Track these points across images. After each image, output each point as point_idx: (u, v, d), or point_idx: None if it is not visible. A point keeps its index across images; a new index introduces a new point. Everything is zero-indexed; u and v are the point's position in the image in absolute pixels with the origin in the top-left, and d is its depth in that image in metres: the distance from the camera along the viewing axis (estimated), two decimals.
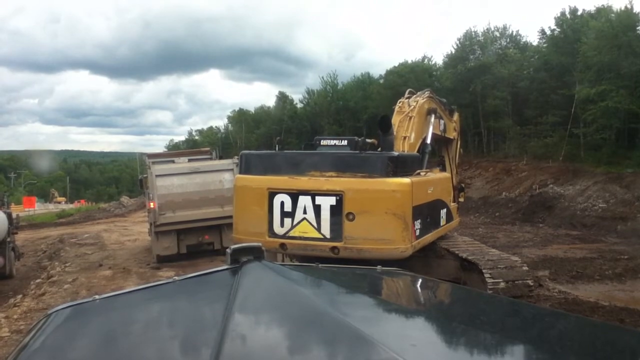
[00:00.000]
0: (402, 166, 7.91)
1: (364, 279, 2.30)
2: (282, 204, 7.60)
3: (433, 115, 10.04)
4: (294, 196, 7.54)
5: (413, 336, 1.45)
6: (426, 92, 10.32)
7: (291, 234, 7.57)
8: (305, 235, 7.50)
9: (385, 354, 1.15)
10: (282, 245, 7.61)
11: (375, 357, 1.16)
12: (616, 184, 25.40)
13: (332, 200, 7.39)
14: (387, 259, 7.33)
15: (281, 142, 10.07)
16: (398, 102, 10.09)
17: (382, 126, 8.94)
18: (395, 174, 7.59)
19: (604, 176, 26.77)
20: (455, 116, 12.27)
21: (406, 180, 7.60)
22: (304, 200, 7.47)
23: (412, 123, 9.41)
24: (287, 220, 7.58)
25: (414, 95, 10.26)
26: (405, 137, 9.33)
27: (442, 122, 10.74)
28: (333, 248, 7.38)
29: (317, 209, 7.43)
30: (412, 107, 9.62)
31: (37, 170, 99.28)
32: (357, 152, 8.18)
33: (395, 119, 9.58)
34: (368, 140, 10.27)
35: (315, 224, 7.46)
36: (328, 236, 7.42)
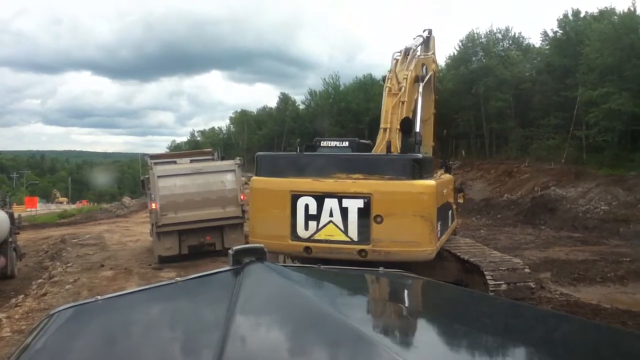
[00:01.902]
0: (423, 168, 7.91)
1: (366, 281, 2.30)
2: (307, 206, 7.45)
3: (421, 85, 9.74)
4: (320, 199, 7.41)
5: (415, 338, 1.45)
6: (415, 58, 9.94)
7: (316, 237, 7.43)
8: (332, 238, 7.37)
9: (388, 355, 1.15)
10: (307, 248, 7.45)
11: (378, 359, 1.16)
12: (618, 186, 25.37)
13: (359, 203, 7.30)
14: (414, 261, 7.35)
15: (302, 144, 9.57)
16: (387, 77, 9.58)
17: (405, 128, 8.85)
18: (421, 176, 7.58)
19: (607, 178, 26.75)
20: (432, 44, 11.82)
21: (432, 182, 7.66)
22: (330, 203, 7.36)
23: (404, 110, 9.17)
24: (312, 224, 7.44)
25: (401, 59, 9.87)
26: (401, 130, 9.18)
27: (424, 68, 10.45)
28: (360, 251, 7.29)
29: (344, 211, 7.33)
30: (403, 88, 9.28)
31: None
32: (383, 154, 8.12)
33: (388, 104, 9.27)
34: (364, 142, 10.21)
35: (342, 227, 7.35)
36: (355, 239, 7.32)
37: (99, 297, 1.78)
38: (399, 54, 10.09)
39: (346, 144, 9.91)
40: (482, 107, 41.74)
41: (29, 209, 48.99)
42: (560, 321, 1.93)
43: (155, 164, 15.86)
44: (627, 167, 27.64)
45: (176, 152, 36.93)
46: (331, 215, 7.36)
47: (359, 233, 7.32)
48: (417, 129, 9.50)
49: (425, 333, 1.60)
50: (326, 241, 7.40)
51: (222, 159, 18.13)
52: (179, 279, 1.90)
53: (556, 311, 7.94)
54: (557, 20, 38.80)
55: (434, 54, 11.67)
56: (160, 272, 13.98)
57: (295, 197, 7.51)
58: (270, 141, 75.07)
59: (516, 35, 46.17)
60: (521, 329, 1.70)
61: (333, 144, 10.09)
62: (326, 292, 1.88)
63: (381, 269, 2.27)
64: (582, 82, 32.29)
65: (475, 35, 46.23)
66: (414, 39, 11.02)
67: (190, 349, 1.39)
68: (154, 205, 15.03)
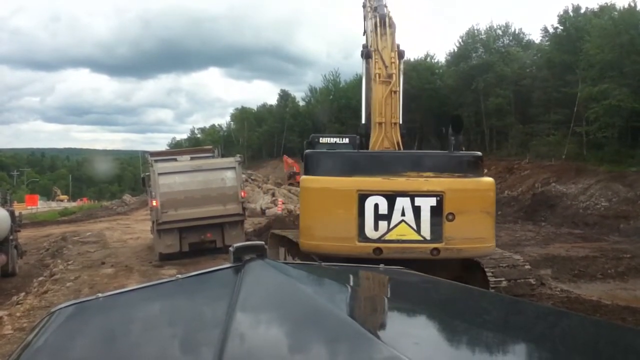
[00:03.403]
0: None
1: (367, 278, 2.31)
2: (377, 206, 7.23)
3: (402, 61, 9.47)
4: (391, 198, 7.21)
5: (416, 334, 1.45)
6: (392, 28, 9.31)
7: (387, 237, 7.24)
8: (403, 238, 7.24)
9: (388, 352, 1.15)
10: (377, 249, 7.25)
11: (378, 356, 1.17)
12: (619, 182, 25.37)
13: (432, 201, 7.22)
14: (482, 256, 7.73)
15: (360, 140, 9.11)
16: (373, 58, 9.01)
17: (455, 126, 8.80)
18: (483, 173, 7.78)
19: (607, 175, 26.74)
20: None
21: (492, 179, 7.89)
22: (402, 202, 7.19)
23: (396, 101, 8.95)
24: (383, 224, 7.23)
25: (380, 31, 9.23)
26: (395, 124, 8.98)
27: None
28: (433, 250, 7.26)
29: (416, 210, 7.20)
30: (395, 76, 8.94)
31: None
32: (450, 152, 8.06)
33: (378, 93, 8.85)
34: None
35: (414, 226, 7.23)
36: (428, 238, 7.25)
37: (100, 295, 1.79)
38: (375, 24, 9.53)
39: (346, 140, 9.86)
40: (482, 103, 41.73)
41: (29, 207, 49.07)
42: (560, 317, 1.93)
43: (156, 161, 15.87)
44: (628, 163, 27.63)
45: (176, 149, 36.97)
46: (403, 214, 7.19)
47: (432, 232, 7.24)
48: (401, 121, 9.26)
49: (425, 330, 1.60)
50: (398, 241, 7.24)
51: (223, 156, 18.15)
52: (179, 276, 1.90)
53: (556, 307, 7.95)
54: (558, 16, 38.84)
55: None
56: (161, 270, 13.99)
57: (363, 197, 7.24)
58: (270, 138, 75.06)
59: (516, 32, 46.26)
60: (521, 325, 1.70)
61: (333, 140, 10.03)
62: (327, 289, 1.89)
63: (381, 265, 2.27)
64: (582, 78, 32.28)
65: (475, 31, 46.28)
66: None
67: (191, 346, 1.40)
68: (154, 203, 15.05)
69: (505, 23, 47.07)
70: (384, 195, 7.22)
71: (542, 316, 1.84)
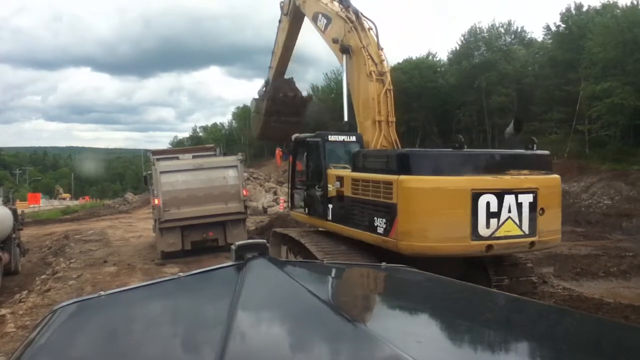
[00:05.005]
0: None
1: (368, 276, 2.31)
2: (488, 204, 7.36)
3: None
4: (500, 196, 7.41)
5: (418, 333, 1.45)
6: (369, 25, 9.43)
7: (497, 234, 7.44)
8: (509, 234, 7.50)
9: (390, 350, 1.15)
10: (488, 247, 7.38)
11: (380, 354, 1.16)
12: (621, 180, 25.31)
13: (530, 198, 7.57)
14: (555, 247, 8.58)
15: (460, 141, 8.61)
16: (364, 56, 8.93)
17: (517, 126, 9.43)
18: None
19: (609, 173, 26.67)
20: None
21: (559, 175, 8.44)
22: (509, 199, 7.45)
23: (391, 99, 8.99)
24: (493, 221, 7.40)
25: (359, 29, 9.27)
26: (392, 122, 8.97)
27: None
28: (531, 243, 7.65)
29: (519, 207, 7.50)
30: (387, 75, 8.95)
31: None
32: (534, 151, 8.33)
33: (372, 91, 8.82)
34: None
35: (517, 222, 7.52)
36: (527, 232, 7.58)
37: (102, 293, 1.79)
38: (350, 23, 9.49)
39: (354, 138, 9.88)
40: (484, 101, 41.64)
41: (32, 205, 49.10)
42: (562, 316, 1.92)
43: (158, 159, 15.88)
44: (630, 162, 27.56)
45: (178, 148, 36.97)
46: (509, 211, 7.46)
47: (529, 226, 7.57)
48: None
49: (428, 328, 1.60)
50: (505, 237, 7.47)
51: (225, 154, 18.15)
52: (181, 274, 1.91)
53: (559, 306, 7.94)
54: (560, 14, 38.75)
55: None
56: (163, 268, 14.01)
57: (476, 196, 7.33)
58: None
59: (518, 30, 46.10)
60: (524, 323, 1.69)
61: (341, 138, 10.03)
62: (328, 287, 1.89)
63: (383, 264, 2.27)
64: (584, 76, 32.20)
65: (478, 29, 46.12)
66: None
67: (193, 343, 1.40)
68: (156, 201, 15.06)
69: (508, 21, 46.99)
70: (494, 194, 7.41)
71: (544, 314, 1.83)
